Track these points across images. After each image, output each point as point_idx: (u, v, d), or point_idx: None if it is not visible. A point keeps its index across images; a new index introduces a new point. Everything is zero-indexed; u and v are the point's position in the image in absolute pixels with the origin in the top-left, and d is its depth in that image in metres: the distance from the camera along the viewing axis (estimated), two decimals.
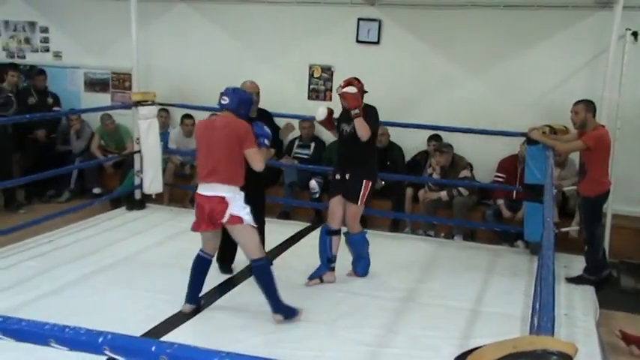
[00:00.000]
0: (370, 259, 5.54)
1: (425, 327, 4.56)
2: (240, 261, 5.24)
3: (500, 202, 7.01)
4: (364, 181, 5.16)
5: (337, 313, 4.74)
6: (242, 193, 4.41)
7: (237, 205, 4.34)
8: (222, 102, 4.48)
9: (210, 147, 4.40)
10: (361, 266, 5.51)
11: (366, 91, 5.14)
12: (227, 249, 5.20)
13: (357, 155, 5.17)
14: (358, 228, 5.40)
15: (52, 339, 1.81)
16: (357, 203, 5.20)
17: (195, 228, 4.50)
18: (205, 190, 4.37)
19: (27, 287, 4.97)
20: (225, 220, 4.34)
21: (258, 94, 5.19)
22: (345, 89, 5.04)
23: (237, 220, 4.34)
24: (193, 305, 4.65)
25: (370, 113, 5.09)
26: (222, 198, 4.30)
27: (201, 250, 4.63)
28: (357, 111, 4.97)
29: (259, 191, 5.26)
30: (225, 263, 5.43)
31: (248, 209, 4.39)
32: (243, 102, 4.50)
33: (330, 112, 5.33)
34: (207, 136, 4.46)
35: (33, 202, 7.95)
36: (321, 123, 5.40)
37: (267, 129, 4.56)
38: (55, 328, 1.82)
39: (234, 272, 5.42)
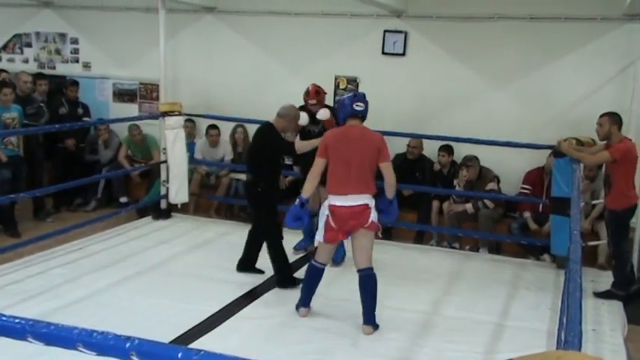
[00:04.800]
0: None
1: (449, 340, 4.53)
2: (266, 268, 5.25)
3: (527, 214, 6.95)
4: None
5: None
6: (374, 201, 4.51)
7: (374, 213, 4.45)
8: (358, 108, 4.45)
9: (349, 158, 4.40)
10: (304, 240, 6.14)
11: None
12: (254, 252, 5.51)
13: None
14: None
15: (80, 343, 1.83)
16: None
17: (333, 240, 4.54)
18: (346, 200, 4.40)
19: (56, 294, 5.04)
20: (367, 225, 4.40)
21: None
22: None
23: (374, 227, 4.46)
24: (308, 308, 4.81)
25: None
26: (367, 205, 4.40)
27: (315, 261, 4.69)
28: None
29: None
30: (247, 265, 5.59)
31: None
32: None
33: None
34: (344, 148, 4.44)
35: (60, 211, 8.05)
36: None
37: None
38: (83, 332, 1.85)
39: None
